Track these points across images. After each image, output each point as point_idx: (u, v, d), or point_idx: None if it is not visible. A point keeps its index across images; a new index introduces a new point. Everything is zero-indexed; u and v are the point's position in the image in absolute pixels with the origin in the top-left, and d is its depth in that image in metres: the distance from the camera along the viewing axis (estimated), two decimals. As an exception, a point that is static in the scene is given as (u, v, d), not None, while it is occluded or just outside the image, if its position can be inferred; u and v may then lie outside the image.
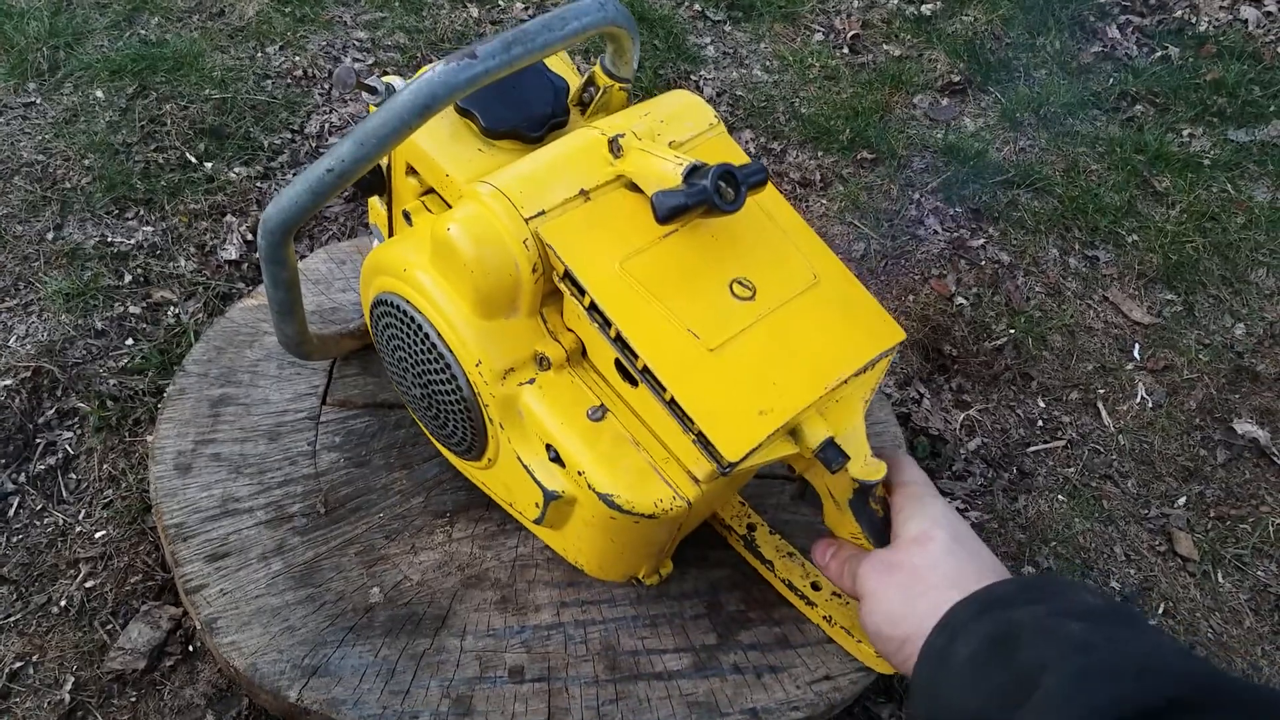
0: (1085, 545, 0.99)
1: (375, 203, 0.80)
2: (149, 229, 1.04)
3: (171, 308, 0.98)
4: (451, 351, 0.63)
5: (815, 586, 0.74)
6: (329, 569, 0.73)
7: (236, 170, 1.11)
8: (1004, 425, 1.10)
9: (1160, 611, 0.96)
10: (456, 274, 0.60)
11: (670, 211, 0.56)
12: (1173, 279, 1.35)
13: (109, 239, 1.03)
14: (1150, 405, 1.17)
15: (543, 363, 0.62)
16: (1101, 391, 1.17)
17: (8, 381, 0.92)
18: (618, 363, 0.60)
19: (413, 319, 0.64)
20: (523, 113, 0.67)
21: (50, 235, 1.03)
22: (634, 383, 0.60)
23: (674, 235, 0.61)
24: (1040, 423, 1.12)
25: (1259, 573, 1.01)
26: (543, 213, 0.59)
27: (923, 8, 1.81)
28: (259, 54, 1.29)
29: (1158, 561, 1.00)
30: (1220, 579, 1.00)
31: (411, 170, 0.71)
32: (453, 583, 0.74)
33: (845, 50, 1.62)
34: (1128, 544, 1.01)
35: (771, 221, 0.65)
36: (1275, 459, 1.13)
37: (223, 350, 0.86)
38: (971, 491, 1.01)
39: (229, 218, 1.05)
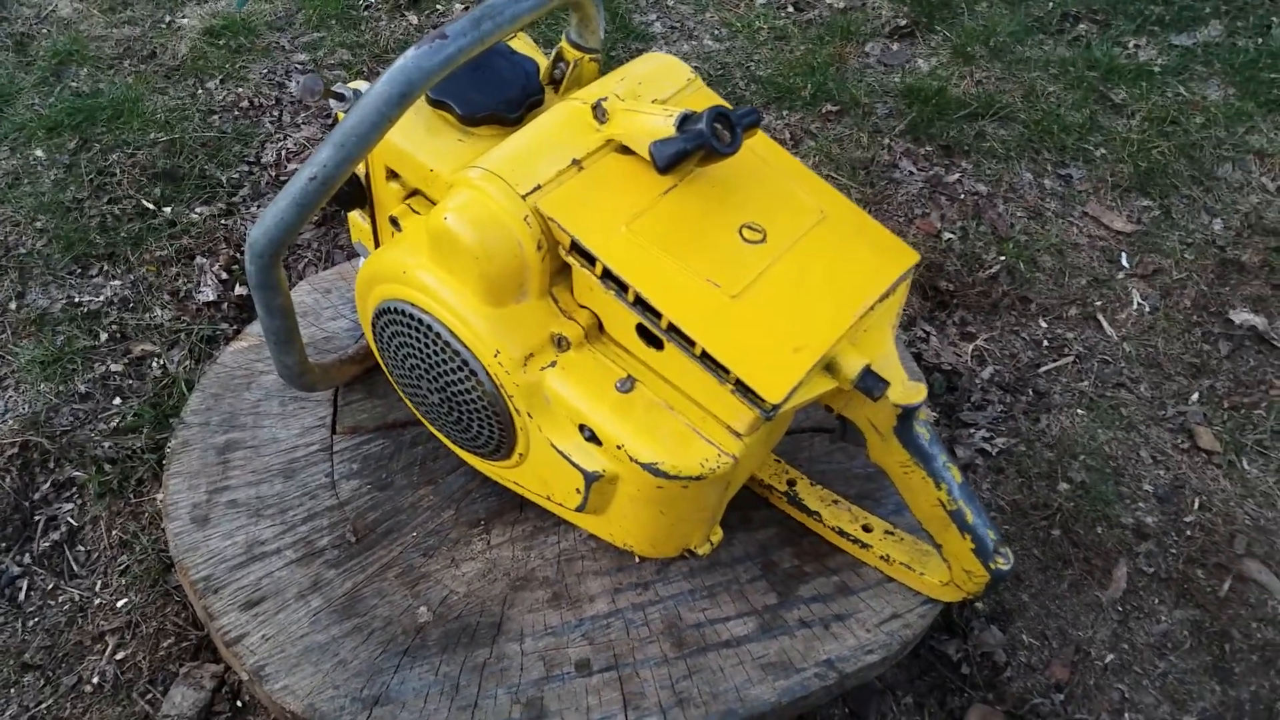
0: (1112, 454, 1.00)
1: (356, 219, 0.78)
2: (117, 283, 1.01)
3: (155, 360, 0.96)
4: (467, 347, 0.61)
5: (867, 528, 0.73)
6: (371, 596, 0.72)
7: (198, 210, 1.09)
8: (1012, 350, 1.11)
9: (1196, 507, 0.97)
10: (460, 264, 0.59)
11: (670, 159, 0.55)
12: (1146, 185, 1.36)
13: (76, 299, 1.00)
14: (1148, 310, 1.19)
15: (561, 343, 0.61)
16: (1099, 303, 1.19)
17: (-4, 464, 0.90)
18: (639, 327, 0.59)
19: (421, 321, 0.63)
20: (498, 95, 0.66)
21: (13, 305, 1.00)
22: (659, 345, 0.59)
23: (675, 191, 0.60)
24: (1045, 343, 1.13)
25: (1284, 454, 1.03)
26: (538, 187, 0.58)
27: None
28: (200, 91, 1.26)
29: (1183, 459, 1.01)
30: (1246, 466, 1.01)
31: (392, 174, 0.69)
32: (500, 589, 0.72)
33: (790, 9, 1.63)
34: (1152, 447, 1.02)
35: (768, 165, 0.65)
36: (1275, 343, 1.15)
37: (220, 396, 0.84)
38: (993, 419, 1.02)
39: (199, 259, 1.03)
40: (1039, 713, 0.80)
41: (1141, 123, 1.47)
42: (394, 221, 0.70)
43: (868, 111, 1.41)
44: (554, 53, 0.70)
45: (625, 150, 0.62)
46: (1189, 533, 0.93)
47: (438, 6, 1.50)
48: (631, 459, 0.59)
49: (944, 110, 1.43)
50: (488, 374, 0.62)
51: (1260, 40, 1.66)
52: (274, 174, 1.17)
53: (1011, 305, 1.17)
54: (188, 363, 0.95)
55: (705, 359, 0.56)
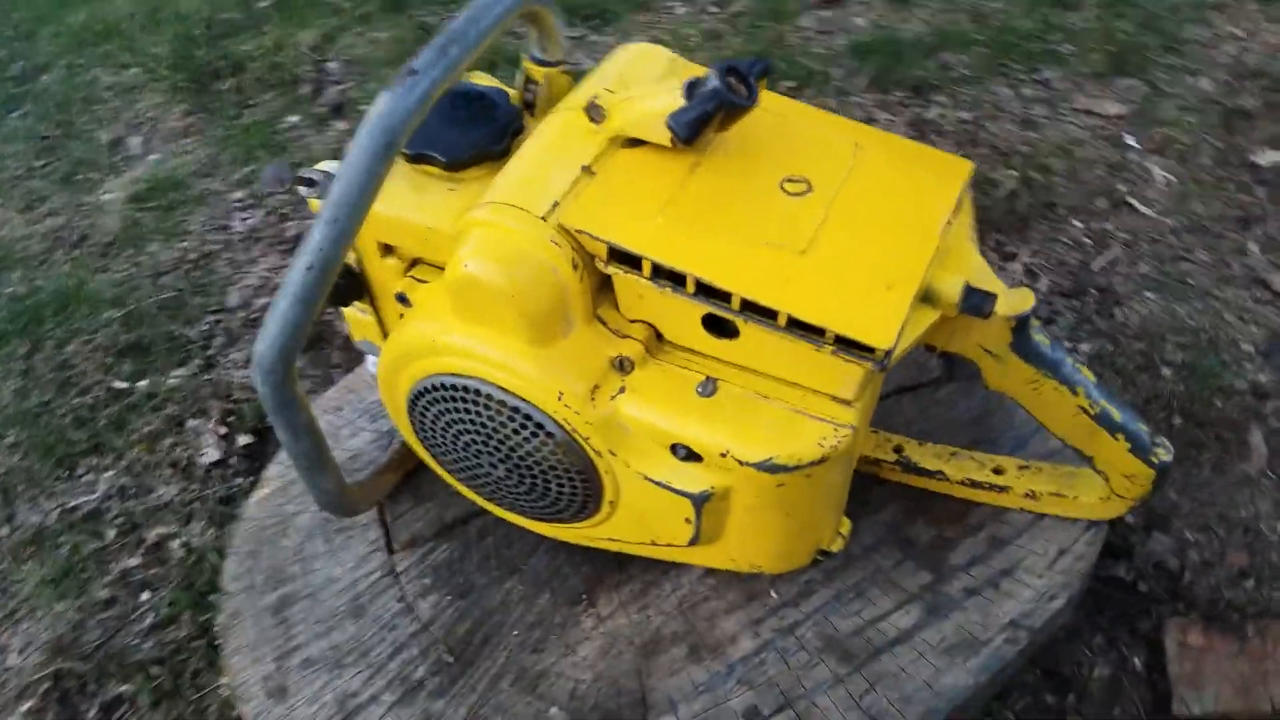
0: (1199, 325, 0.97)
1: (355, 316, 0.74)
2: (110, 474, 0.97)
3: (174, 540, 0.90)
4: (526, 399, 0.57)
5: (998, 470, 0.69)
6: (491, 712, 0.65)
7: (175, 375, 1.05)
8: (1059, 257, 1.08)
9: (1310, 352, 0.94)
10: (494, 312, 0.55)
11: (692, 125, 0.52)
12: (1123, 66, 1.36)
13: (70, 504, 0.95)
14: (1174, 179, 1.17)
15: (624, 365, 0.57)
16: (1123, 188, 1.17)
17: (29, 704, 0.83)
18: (707, 319, 0.55)
19: (467, 389, 0.58)
20: (479, 131, 0.63)
21: (4, 530, 0.95)
22: (733, 333, 0.55)
23: (700, 168, 0.57)
24: (1087, 240, 1.10)
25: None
26: (555, 204, 0.55)
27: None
28: (143, 257, 1.24)
29: (1269, 310, 0.99)
30: (1332, 296, 0.99)
31: (387, 249, 0.66)
32: (629, 661, 0.66)
33: (713, 9, 1.64)
34: (1234, 308, 0.99)
35: (783, 117, 0.62)
36: (1309, 172, 1.13)
37: (257, 553, 0.78)
38: (1071, 327, 0.99)
39: (190, 423, 0.98)
40: (1235, 605, 0.75)
41: (1094, 9, 1.47)
42: (401, 299, 0.66)
43: (826, 78, 1.41)
44: (520, 77, 0.68)
45: (634, 143, 0.58)
46: (1309, 378, 0.90)
47: (359, 108, 1.49)
48: (741, 462, 0.54)
49: (900, 55, 1.43)
50: (555, 422, 0.57)
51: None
52: (244, 315, 1.14)
53: (1041, 215, 1.14)
54: (211, 532, 0.90)
55: (793, 327, 0.52)
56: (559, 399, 0.56)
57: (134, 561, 0.90)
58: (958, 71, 1.40)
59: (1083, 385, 0.57)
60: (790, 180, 0.57)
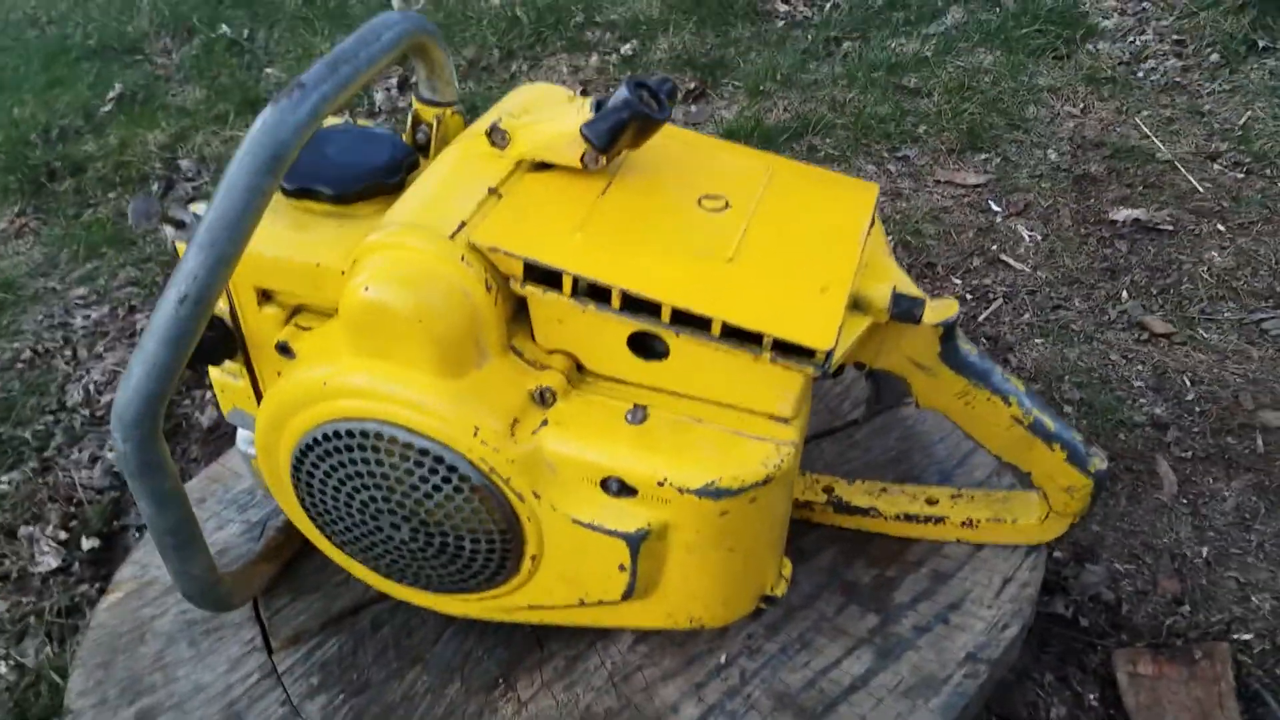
0: (1088, 365, 1.02)
1: (224, 381, 0.67)
2: (-75, 600, 0.82)
3: (3, 663, 0.76)
4: (436, 438, 0.51)
5: (931, 501, 0.67)
6: (401, 826, 0.56)
7: (5, 480, 0.91)
8: (944, 312, 1.12)
9: (1190, 384, 0.99)
10: (399, 342, 0.50)
11: (606, 134, 0.50)
12: (975, 143, 1.47)
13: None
14: (1040, 238, 1.25)
15: (545, 398, 0.53)
16: (994, 247, 1.24)
17: None
18: (633, 339, 0.52)
19: (365, 434, 0.52)
20: (369, 162, 0.59)
21: None
22: (662, 353, 0.52)
23: (611, 189, 0.55)
24: (969, 295, 1.15)
25: (1226, 315, 1.08)
26: (462, 224, 0.51)
27: (623, 49, 1.93)
28: (-32, 361, 1.10)
29: (1151, 349, 1.04)
30: (1204, 334, 1.06)
31: (265, 296, 0.60)
32: (560, 745, 0.59)
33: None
34: (1118, 349, 1.05)
35: (691, 145, 0.61)
36: (1160, 226, 1.23)
37: (109, 664, 0.67)
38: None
39: (24, 530, 0.85)
40: (1176, 631, 0.75)
41: (942, 96, 1.60)
42: (283, 349, 0.59)
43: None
44: (409, 119, 0.65)
45: (541, 167, 0.56)
46: (1199, 408, 0.95)
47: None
48: (681, 490, 0.50)
49: (768, 139, 1.50)
50: (470, 463, 0.52)
51: (996, 10, 1.88)
52: (88, 413, 1.02)
53: (921, 273, 1.19)
54: (48, 649, 0.76)
55: (728, 336, 0.49)
56: (474, 434, 0.51)
57: (-51, 703, 0.76)
58: (824, 151, 1.48)
59: (1014, 395, 0.57)
60: (707, 197, 0.56)
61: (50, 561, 0.82)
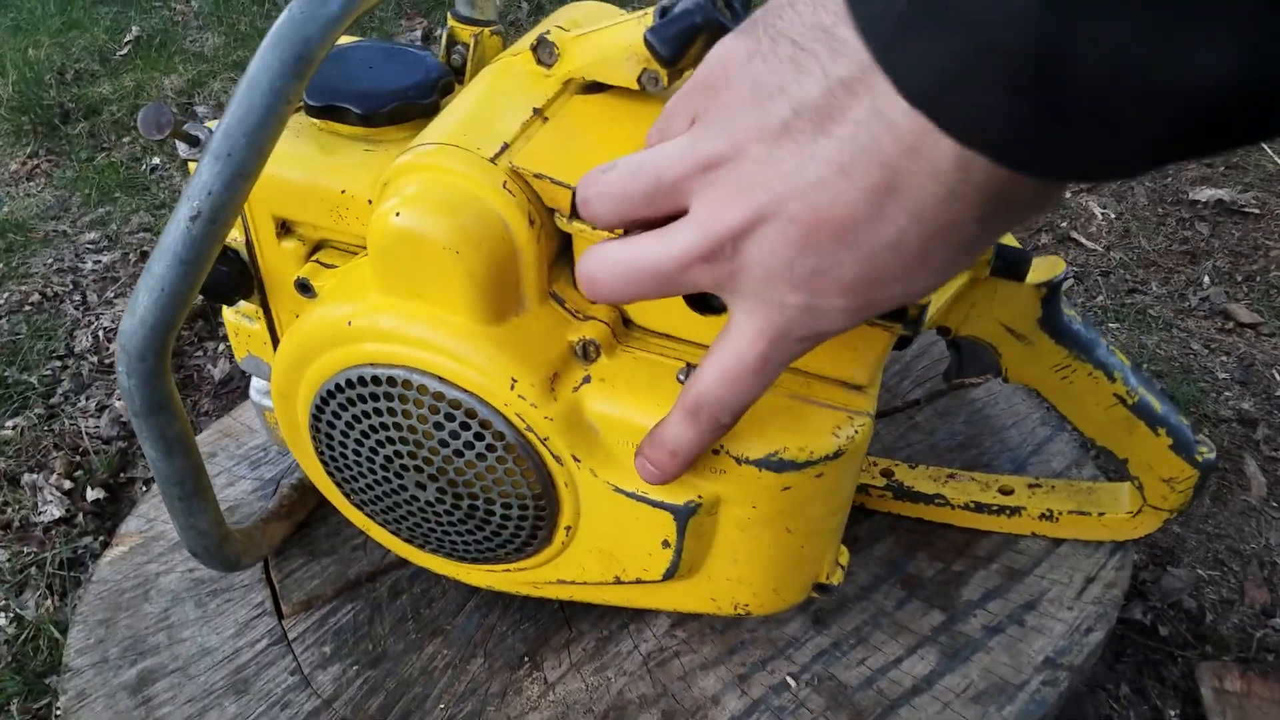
0: (1167, 354, 0.95)
1: (238, 325, 0.62)
2: (-80, 549, 0.79)
3: (2, 615, 0.73)
4: (469, 389, 0.47)
5: (1005, 490, 0.62)
6: (412, 811, 0.52)
7: (10, 425, 0.88)
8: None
9: (1279, 378, 0.92)
10: (432, 278, 0.45)
11: (675, 39, 0.44)
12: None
13: None
14: (1113, 216, 1.18)
15: (588, 352, 0.48)
16: (1064, 224, 1.17)
17: None
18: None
19: (394, 381, 0.48)
20: (401, 81, 0.54)
21: None
22: (719, 309, 0.47)
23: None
24: (1039, 275, 1.09)
25: (1318, 305, 1.01)
26: (505, 146, 0.46)
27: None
28: (-19, 302, 1.08)
29: (1236, 339, 0.98)
30: (1292, 327, 0.99)
31: (285, 228, 0.55)
32: (588, 733, 0.55)
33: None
34: (1200, 337, 0.98)
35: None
36: (1246, 208, 1.16)
37: (111, 621, 0.64)
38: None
39: (28, 478, 0.82)
40: (1266, 646, 0.69)
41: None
42: (303, 287, 0.55)
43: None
44: (443, 39, 0.60)
45: (592, 88, 0.51)
46: (1288, 402, 0.89)
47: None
48: (739, 460, 0.45)
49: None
50: (505, 418, 0.47)
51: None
52: (96, 360, 0.99)
53: (988, 250, 1.13)
54: (50, 602, 0.73)
55: (802, 286, 0.44)
56: (511, 388, 0.46)
57: (-60, 649, 0.73)
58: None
59: (1120, 370, 0.51)
60: (782, 132, 0.50)
61: (54, 511, 0.79)
